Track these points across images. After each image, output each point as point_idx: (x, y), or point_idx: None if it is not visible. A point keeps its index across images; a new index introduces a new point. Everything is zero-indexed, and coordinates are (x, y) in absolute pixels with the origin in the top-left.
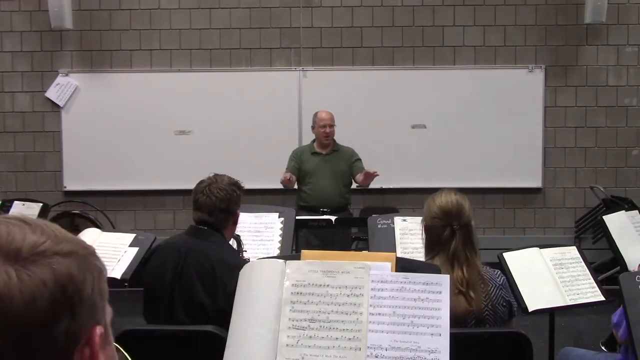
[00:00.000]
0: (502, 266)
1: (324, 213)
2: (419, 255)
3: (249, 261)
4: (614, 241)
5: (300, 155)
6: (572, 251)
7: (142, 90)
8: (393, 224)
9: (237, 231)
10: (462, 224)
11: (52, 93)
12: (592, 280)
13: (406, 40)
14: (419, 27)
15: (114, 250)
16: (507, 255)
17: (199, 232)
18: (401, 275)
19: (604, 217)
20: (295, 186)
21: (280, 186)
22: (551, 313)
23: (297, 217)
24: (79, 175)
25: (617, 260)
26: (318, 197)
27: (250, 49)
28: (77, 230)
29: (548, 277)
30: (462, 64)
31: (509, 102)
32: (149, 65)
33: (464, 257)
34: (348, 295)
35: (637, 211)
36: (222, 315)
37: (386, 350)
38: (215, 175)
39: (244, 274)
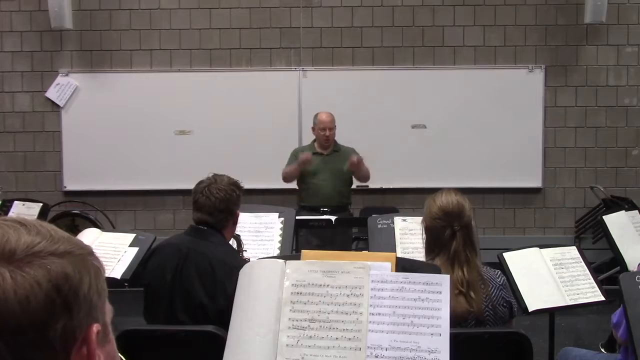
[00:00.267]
0: (502, 266)
1: (324, 213)
2: (419, 255)
3: (249, 261)
4: (614, 241)
5: (300, 155)
6: (572, 251)
7: (142, 90)
8: (393, 224)
9: (237, 231)
10: (462, 224)
11: (52, 93)
12: (592, 280)
13: (406, 40)
14: (419, 27)
15: (114, 250)
16: (507, 256)
17: (199, 232)
18: (401, 275)
19: (604, 217)
20: (296, 186)
21: (280, 186)
22: (551, 313)
23: (297, 217)
24: (79, 175)
25: (617, 260)
26: (319, 197)
27: (250, 49)
28: (77, 230)
29: (548, 277)
30: (462, 64)
31: (509, 102)
32: (149, 65)
33: (464, 257)
34: (348, 295)
35: (637, 211)
36: (222, 315)
37: (386, 350)
38: (215, 175)
39: (244, 274)
